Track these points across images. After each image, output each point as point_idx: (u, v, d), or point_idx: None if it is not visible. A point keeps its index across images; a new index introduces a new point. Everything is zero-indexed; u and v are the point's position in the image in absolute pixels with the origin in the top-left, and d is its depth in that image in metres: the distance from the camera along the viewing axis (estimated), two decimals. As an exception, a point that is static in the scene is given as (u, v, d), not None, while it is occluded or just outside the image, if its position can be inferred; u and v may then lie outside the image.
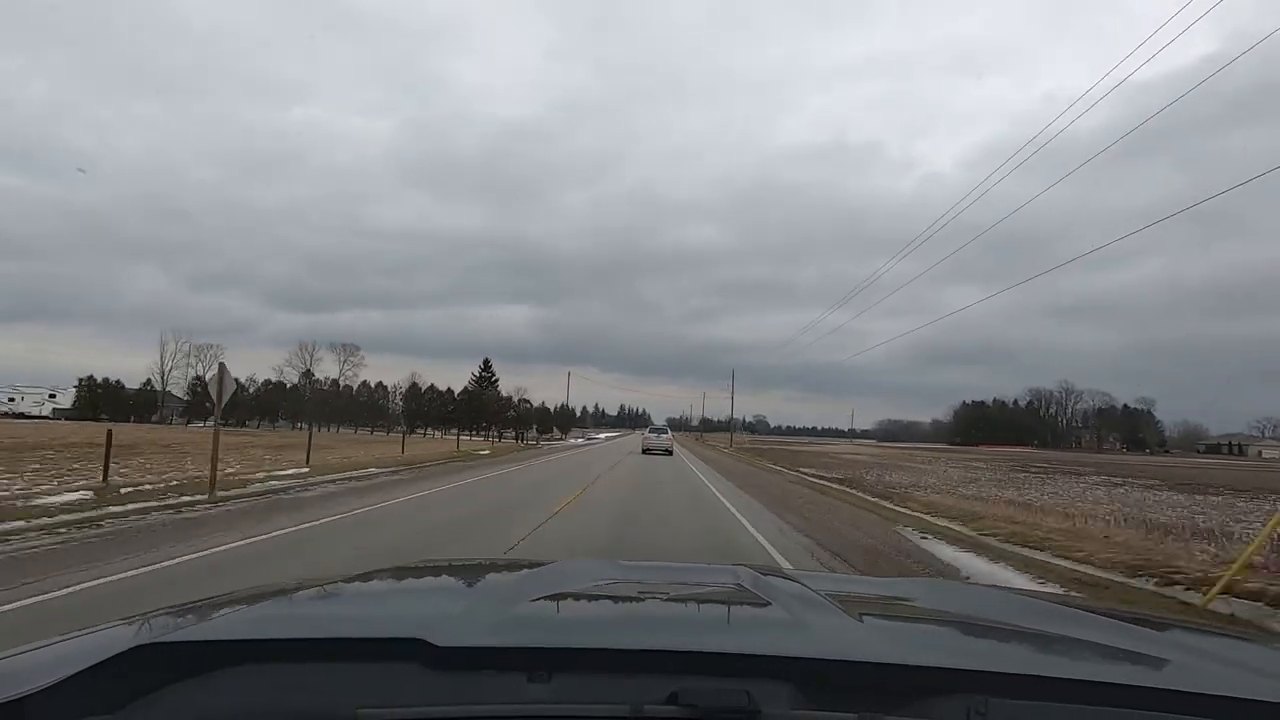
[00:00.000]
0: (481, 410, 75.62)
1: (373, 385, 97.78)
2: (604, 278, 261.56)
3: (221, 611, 1.28)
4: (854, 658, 0.98)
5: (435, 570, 2.04)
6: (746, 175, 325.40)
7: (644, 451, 37.62)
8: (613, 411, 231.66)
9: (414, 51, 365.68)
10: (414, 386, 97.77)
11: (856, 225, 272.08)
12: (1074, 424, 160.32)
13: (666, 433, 43.31)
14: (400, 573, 1.82)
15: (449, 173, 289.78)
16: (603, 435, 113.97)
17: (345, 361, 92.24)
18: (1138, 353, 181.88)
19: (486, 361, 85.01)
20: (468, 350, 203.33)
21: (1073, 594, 6.53)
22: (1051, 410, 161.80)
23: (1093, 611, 1.58)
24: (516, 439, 67.32)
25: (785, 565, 7.70)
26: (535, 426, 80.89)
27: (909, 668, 0.95)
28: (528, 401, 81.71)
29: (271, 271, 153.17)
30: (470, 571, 2.00)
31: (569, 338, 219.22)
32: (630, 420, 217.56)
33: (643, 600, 1.55)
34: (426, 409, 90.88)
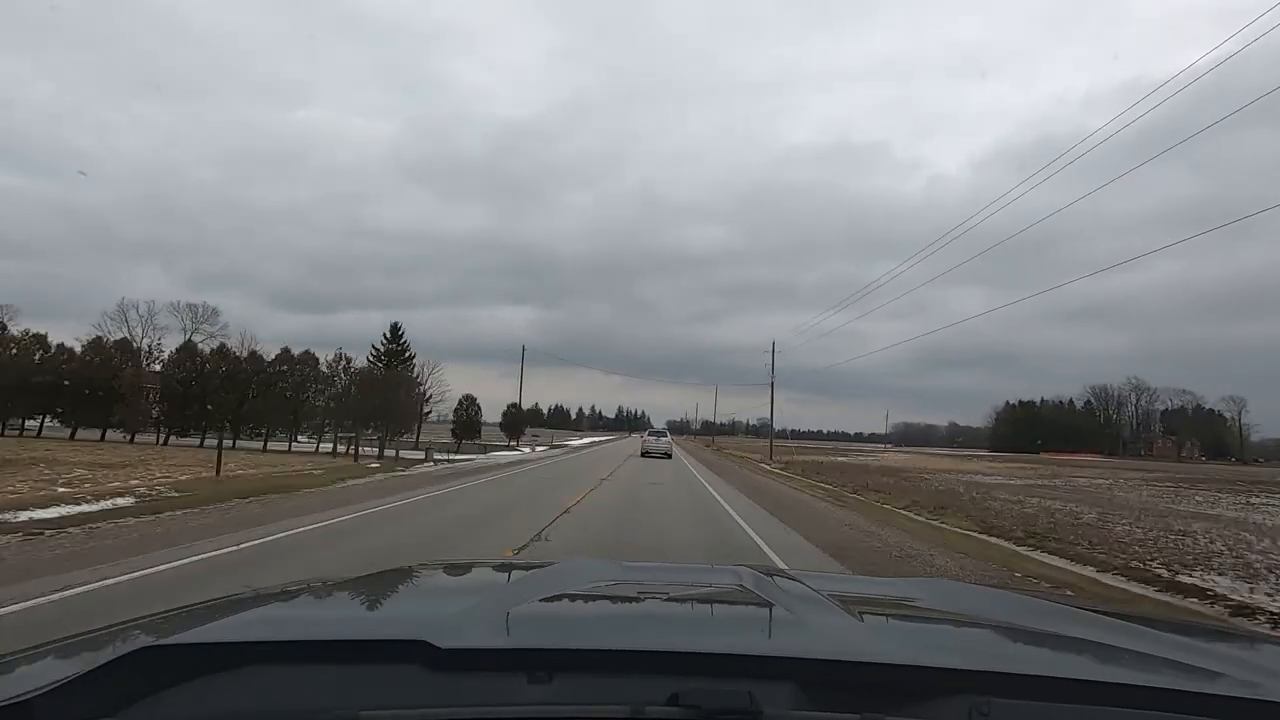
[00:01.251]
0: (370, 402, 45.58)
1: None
2: (605, 279, 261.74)
3: (224, 614, 1.28)
4: (856, 658, 0.98)
5: (437, 571, 2.01)
6: (749, 177, 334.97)
7: (643, 455, 38.03)
8: (611, 414, 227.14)
9: (416, 52, 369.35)
10: (187, 348, 47.45)
11: (861, 227, 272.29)
12: (1138, 427, 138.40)
13: (665, 436, 44.37)
14: (402, 574, 1.81)
15: (451, 174, 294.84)
16: (582, 440, 79.54)
17: (195, 330, 50.28)
18: (1147, 355, 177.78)
19: (395, 326, 55.21)
20: (468, 353, 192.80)
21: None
22: (1112, 412, 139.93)
23: (1094, 611, 1.57)
24: (378, 453, 35.23)
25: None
26: (453, 429, 52.55)
27: (911, 668, 0.95)
28: (404, 367, 49.78)
29: (272, 272, 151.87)
30: (472, 572, 2.00)
31: (570, 340, 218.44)
32: (629, 423, 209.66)
33: (644, 601, 1.56)
34: (209, 392, 43.61)
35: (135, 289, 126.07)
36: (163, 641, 0.98)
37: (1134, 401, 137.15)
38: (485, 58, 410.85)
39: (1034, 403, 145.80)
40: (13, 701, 0.82)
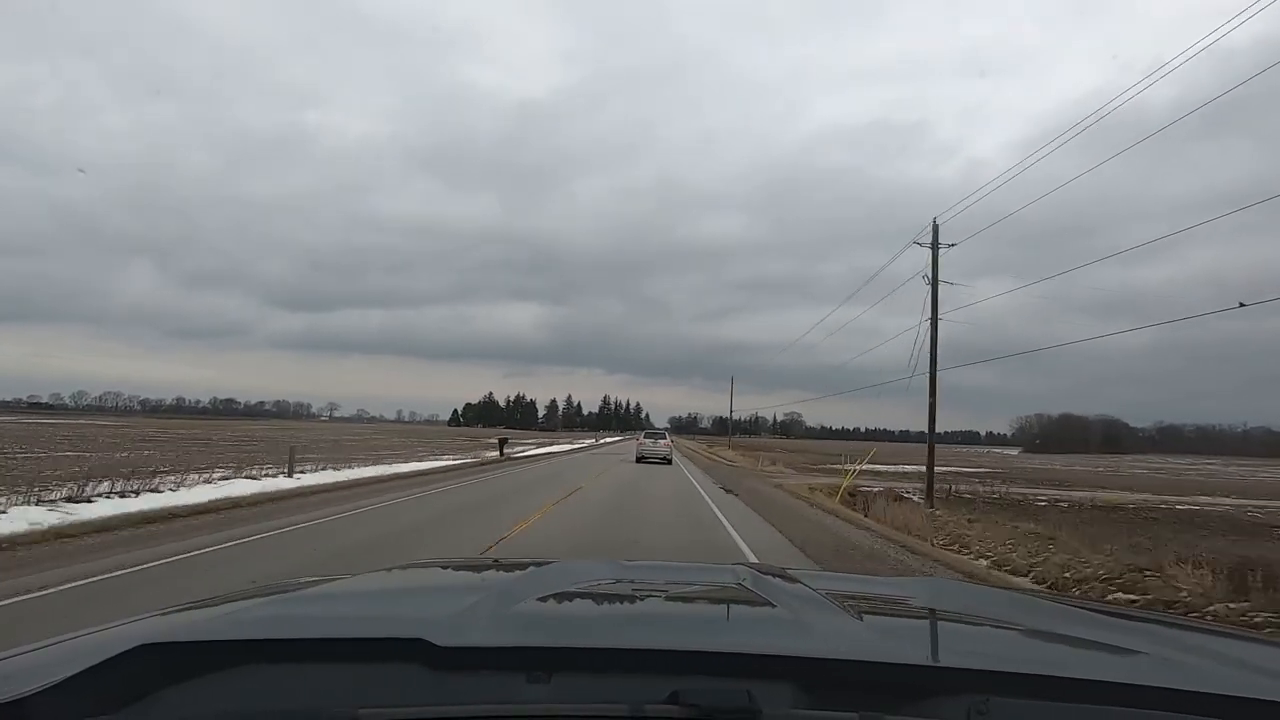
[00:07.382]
0: None
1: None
2: (612, 277, 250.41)
3: (223, 612, 1.28)
4: (855, 657, 0.98)
5: (435, 570, 2.04)
6: (769, 172, 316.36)
7: (638, 460, 34.86)
8: (595, 408, 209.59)
9: (428, 52, 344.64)
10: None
11: (888, 220, 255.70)
12: None
13: (664, 438, 40.65)
14: (401, 572, 1.82)
15: (460, 171, 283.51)
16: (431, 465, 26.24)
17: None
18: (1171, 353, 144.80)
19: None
20: (471, 352, 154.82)
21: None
22: None
23: (1095, 610, 1.58)
24: None
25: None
26: None
27: (910, 667, 0.95)
28: None
29: (275, 270, 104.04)
30: (471, 571, 2.02)
31: (577, 337, 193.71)
32: (620, 420, 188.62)
33: (643, 600, 1.56)
34: None
35: (133, 290, 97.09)
36: (161, 639, 0.97)
37: None
38: (500, 60, 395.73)
39: None
40: (10, 700, 0.81)
